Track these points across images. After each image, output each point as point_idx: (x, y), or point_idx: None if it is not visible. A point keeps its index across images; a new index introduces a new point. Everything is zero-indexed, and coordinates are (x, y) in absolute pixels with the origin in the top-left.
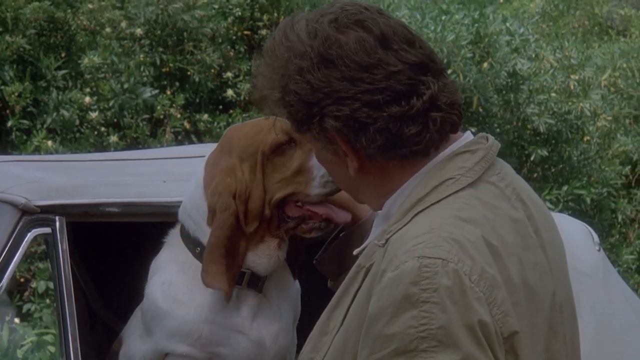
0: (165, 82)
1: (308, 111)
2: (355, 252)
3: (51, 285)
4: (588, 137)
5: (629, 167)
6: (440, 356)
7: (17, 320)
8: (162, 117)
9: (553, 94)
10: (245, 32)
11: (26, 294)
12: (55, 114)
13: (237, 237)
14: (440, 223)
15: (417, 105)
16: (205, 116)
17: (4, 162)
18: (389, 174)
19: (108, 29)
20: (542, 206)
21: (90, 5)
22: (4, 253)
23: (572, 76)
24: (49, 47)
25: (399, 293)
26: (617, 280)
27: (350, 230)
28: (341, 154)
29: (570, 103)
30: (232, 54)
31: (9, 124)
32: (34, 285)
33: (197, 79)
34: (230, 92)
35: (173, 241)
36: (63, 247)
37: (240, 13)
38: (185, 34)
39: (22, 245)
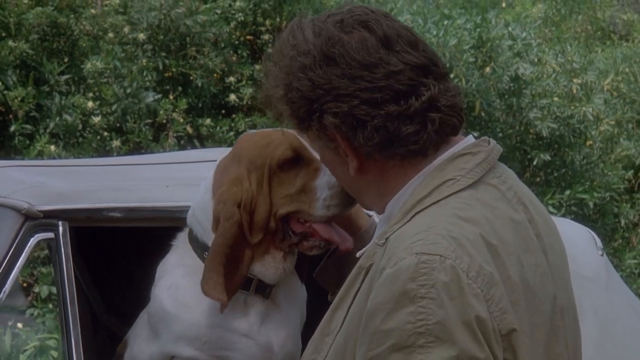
0: (168, 87)
1: (308, 107)
2: (358, 254)
3: (54, 290)
4: (591, 142)
5: (632, 171)
6: (437, 351)
7: (20, 325)
8: (164, 121)
9: (555, 99)
10: (248, 37)
11: (29, 298)
12: (58, 118)
13: (241, 247)
14: (439, 221)
15: (415, 105)
16: (208, 121)
17: (7, 167)
18: (388, 174)
19: (111, 34)
20: (544, 212)
21: (93, 11)
22: (7, 258)
23: (574, 80)
24: (52, 52)
25: (396, 289)
26: (620, 284)
27: None
28: (342, 152)
29: (572, 107)
30: (234, 58)
31: (12, 128)
32: (37, 290)
33: (199, 84)
34: (232, 96)
35: (181, 244)
36: (66, 252)
37: (242, 18)
38: (187, 38)
39: (25, 250)
